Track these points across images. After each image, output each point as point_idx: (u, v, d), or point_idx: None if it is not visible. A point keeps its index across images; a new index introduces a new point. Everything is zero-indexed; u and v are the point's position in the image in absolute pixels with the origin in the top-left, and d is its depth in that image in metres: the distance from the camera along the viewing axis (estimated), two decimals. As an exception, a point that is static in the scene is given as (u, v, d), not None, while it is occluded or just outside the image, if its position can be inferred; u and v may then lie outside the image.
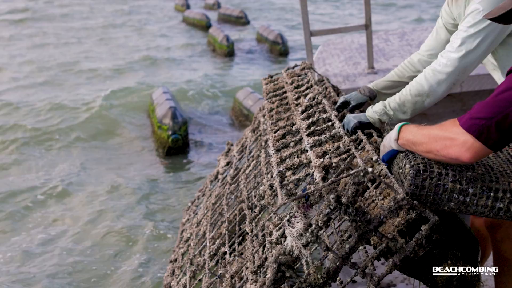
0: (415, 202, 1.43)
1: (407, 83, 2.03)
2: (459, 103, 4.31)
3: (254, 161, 2.55)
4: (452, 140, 1.35)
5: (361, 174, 1.42)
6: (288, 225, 1.51)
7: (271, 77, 2.96)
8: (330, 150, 1.65)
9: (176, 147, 6.13)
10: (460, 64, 1.87)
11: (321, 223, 1.45)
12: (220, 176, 3.31)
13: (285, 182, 1.58)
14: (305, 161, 1.65)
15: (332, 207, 1.45)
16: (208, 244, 2.32)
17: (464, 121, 1.34)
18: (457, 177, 1.46)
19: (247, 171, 2.54)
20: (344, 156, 1.56)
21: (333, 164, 1.54)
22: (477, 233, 2.15)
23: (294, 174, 1.65)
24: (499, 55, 1.94)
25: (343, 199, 1.44)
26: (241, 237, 2.14)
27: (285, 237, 1.59)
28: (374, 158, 1.72)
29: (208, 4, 17.09)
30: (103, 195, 5.28)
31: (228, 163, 3.43)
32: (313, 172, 1.55)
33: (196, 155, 6.26)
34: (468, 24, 1.82)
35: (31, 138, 6.92)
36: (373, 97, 2.27)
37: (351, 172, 1.41)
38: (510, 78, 1.30)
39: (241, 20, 14.11)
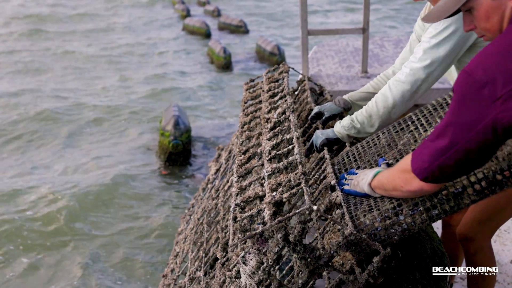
0: (363, 236, 1.42)
1: None
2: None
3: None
4: (410, 172, 1.29)
5: (307, 212, 1.41)
6: (242, 262, 1.52)
7: (252, 80, 2.92)
8: (283, 181, 1.64)
9: (176, 153, 6.18)
10: (423, 74, 1.87)
11: (271, 262, 1.46)
12: (209, 185, 3.32)
13: (238, 218, 1.58)
14: (260, 193, 1.64)
15: (280, 246, 1.46)
16: (189, 265, 2.35)
17: (412, 162, 1.28)
18: (384, 215, 1.44)
19: (225, 187, 2.54)
20: (294, 190, 1.55)
21: (284, 200, 1.53)
22: (449, 242, 2.14)
23: (251, 208, 1.65)
24: None
25: (291, 238, 1.44)
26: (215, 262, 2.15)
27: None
28: (332, 182, 1.71)
29: (208, 11, 17.25)
30: (104, 199, 5.38)
31: (218, 170, 3.43)
32: (265, 208, 1.54)
33: (197, 163, 6.31)
34: (430, 35, 1.84)
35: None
36: (347, 108, 2.25)
37: (297, 211, 1.41)
38: (450, 109, 1.18)
39: (241, 29, 14.58)
